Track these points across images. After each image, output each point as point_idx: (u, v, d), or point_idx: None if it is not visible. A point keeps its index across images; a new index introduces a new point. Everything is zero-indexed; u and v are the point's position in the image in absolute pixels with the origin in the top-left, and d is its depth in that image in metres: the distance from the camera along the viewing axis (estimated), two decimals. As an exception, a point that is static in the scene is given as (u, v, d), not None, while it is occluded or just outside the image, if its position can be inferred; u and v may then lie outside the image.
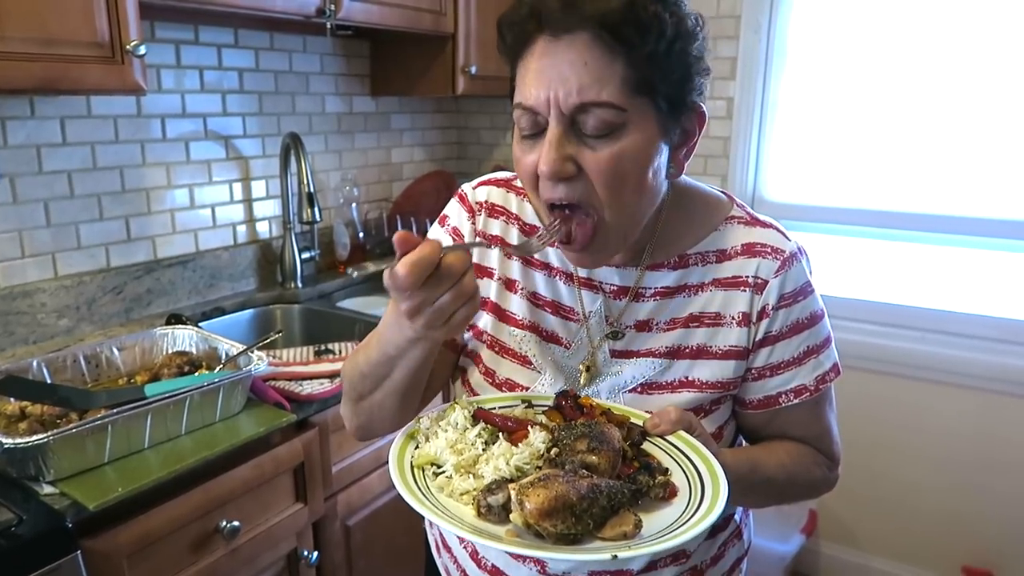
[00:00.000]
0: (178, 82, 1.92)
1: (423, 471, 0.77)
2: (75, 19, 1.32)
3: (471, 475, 0.75)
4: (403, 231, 0.69)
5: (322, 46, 2.29)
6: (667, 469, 0.78)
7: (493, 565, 0.96)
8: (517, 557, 0.93)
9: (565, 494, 0.68)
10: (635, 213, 0.83)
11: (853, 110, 2.30)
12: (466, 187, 1.01)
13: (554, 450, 0.76)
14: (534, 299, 0.95)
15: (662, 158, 0.81)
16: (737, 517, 1.03)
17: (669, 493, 0.75)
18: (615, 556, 0.64)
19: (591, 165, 0.77)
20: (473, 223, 0.98)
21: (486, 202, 0.99)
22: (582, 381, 0.93)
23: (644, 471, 0.76)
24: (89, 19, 1.34)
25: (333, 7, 1.81)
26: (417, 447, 0.80)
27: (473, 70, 2.28)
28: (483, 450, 0.78)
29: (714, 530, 0.98)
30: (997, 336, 2.18)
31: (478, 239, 0.98)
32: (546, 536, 0.68)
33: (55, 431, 1.15)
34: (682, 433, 0.81)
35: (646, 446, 0.82)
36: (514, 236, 0.97)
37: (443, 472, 0.77)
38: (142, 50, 1.40)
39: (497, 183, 1.01)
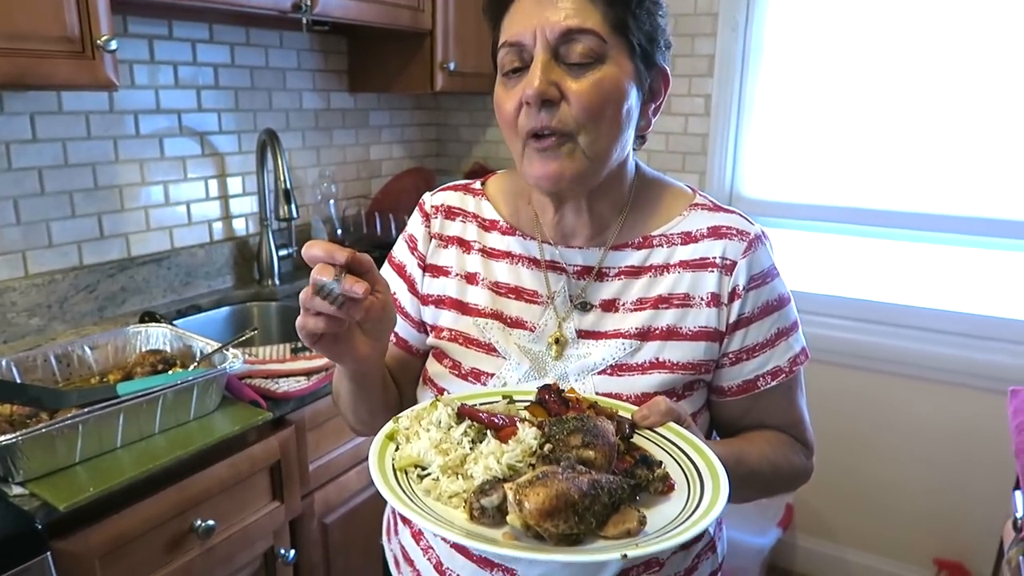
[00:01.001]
0: (152, 78, 1.90)
1: (407, 474, 0.73)
2: (43, 13, 1.30)
3: (459, 476, 0.71)
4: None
5: (299, 42, 2.28)
6: (661, 462, 0.75)
7: None
8: (485, 566, 0.90)
9: (567, 492, 0.64)
10: (607, 146, 0.86)
11: (829, 107, 2.32)
12: (426, 195, 1.06)
13: (547, 446, 0.72)
14: (496, 288, 0.97)
15: (634, 101, 0.87)
16: (711, 529, 1.02)
17: (667, 487, 0.73)
18: (624, 556, 0.61)
19: (573, 92, 0.82)
20: (427, 227, 1.03)
21: (442, 205, 1.03)
22: (552, 354, 0.92)
23: (642, 465, 0.73)
24: (58, 13, 1.32)
25: (309, 2, 1.80)
26: (397, 448, 0.76)
27: (452, 66, 2.28)
28: (470, 449, 0.74)
29: (688, 542, 0.97)
30: (969, 332, 2.21)
31: (433, 240, 1.03)
32: (547, 537, 0.64)
33: (24, 431, 1.13)
34: (672, 425, 0.80)
35: (636, 439, 0.79)
36: (473, 232, 1.00)
37: (428, 474, 0.72)
38: (113, 45, 1.39)
39: (454, 188, 1.06)
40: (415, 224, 1.05)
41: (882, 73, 2.22)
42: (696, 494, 0.71)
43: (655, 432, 0.80)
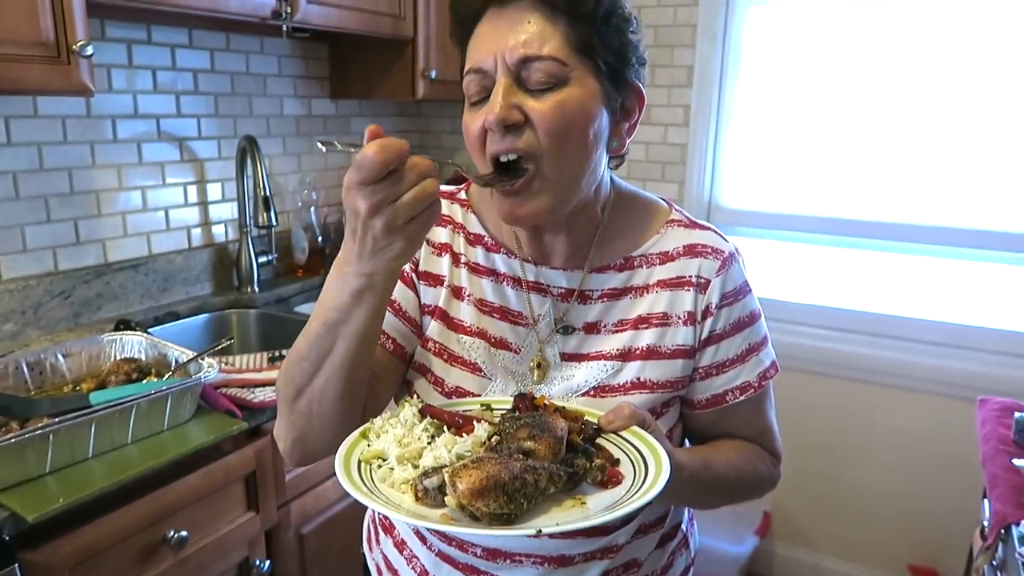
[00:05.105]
0: (130, 82, 1.88)
1: (369, 466, 0.78)
2: (17, 17, 1.29)
3: (412, 465, 0.76)
4: (375, 126, 0.71)
5: (280, 48, 2.27)
6: (612, 455, 0.78)
7: None
8: (471, 573, 0.93)
9: (496, 474, 0.68)
10: (575, 172, 0.85)
11: (806, 118, 2.35)
12: None
13: (495, 438, 0.78)
14: (481, 306, 0.95)
15: (603, 122, 0.85)
16: (684, 526, 1.05)
17: (613, 481, 0.75)
18: (539, 531, 0.66)
19: (536, 114, 0.81)
20: None
21: None
22: (534, 378, 0.93)
23: (582, 455, 0.76)
24: (33, 18, 1.31)
25: (289, 9, 1.79)
26: (369, 445, 0.80)
27: (433, 74, 2.28)
28: (429, 444, 0.79)
29: (663, 539, 0.99)
30: (943, 340, 2.25)
31: (426, 244, 0.96)
32: (480, 517, 0.68)
33: (-7, 441, 1.12)
34: (636, 429, 0.81)
35: (600, 442, 0.82)
36: (460, 244, 0.97)
37: (387, 464, 0.78)
38: (89, 50, 1.38)
39: (442, 194, 0.99)
40: None
41: (858, 84, 2.26)
42: (638, 485, 0.74)
43: (619, 436, 0.82)
